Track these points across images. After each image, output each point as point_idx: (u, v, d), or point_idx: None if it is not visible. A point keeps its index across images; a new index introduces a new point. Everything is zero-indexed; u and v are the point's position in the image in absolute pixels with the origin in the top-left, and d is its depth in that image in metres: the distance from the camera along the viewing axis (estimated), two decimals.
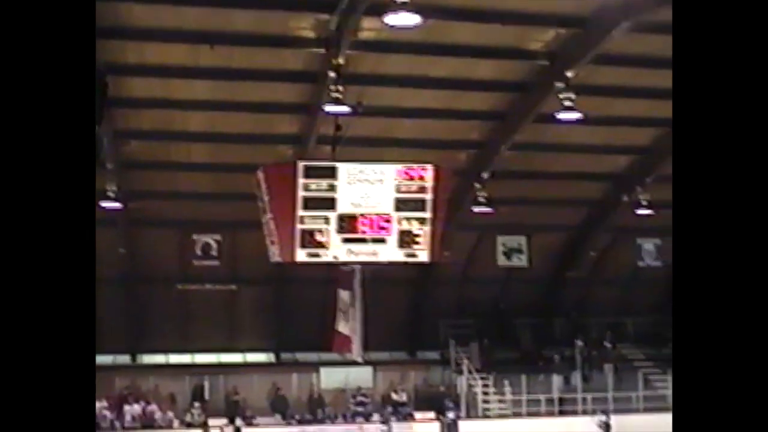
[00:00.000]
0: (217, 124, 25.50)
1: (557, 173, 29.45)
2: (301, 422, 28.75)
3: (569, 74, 22.28)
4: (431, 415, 29.00)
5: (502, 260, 32.68)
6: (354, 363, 26.89)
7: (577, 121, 23.31)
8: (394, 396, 29.91)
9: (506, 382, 30.20)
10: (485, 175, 27.86)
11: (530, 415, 29.32)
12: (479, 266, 31.99)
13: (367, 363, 27.90)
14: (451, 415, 28.73)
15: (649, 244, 34.53)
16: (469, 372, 30.44)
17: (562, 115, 22.74)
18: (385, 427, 25.63)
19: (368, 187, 22.46)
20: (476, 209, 28.25)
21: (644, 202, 30.09)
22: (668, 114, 28.98)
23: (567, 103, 22.21)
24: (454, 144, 27.35)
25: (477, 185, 27.95)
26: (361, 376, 29.11)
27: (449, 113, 26.02)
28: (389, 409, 29.22)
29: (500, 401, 30.05)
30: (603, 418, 27.27)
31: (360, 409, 28.86)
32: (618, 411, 29.39)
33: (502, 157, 27.90)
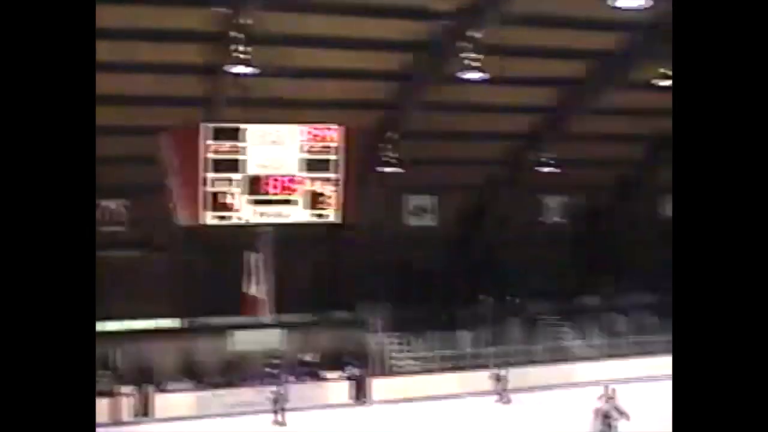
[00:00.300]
0: (123, 87, 24.82)
1: (465, 133, 29.77)
2: (212, 386, 28.63)
3: (475, 35, 22.49)
4: (341, 374, 29.25)
5: (411, 220, 33.05)
6: (265, 325, 26.91)
7: (484, 81, 23.58)
8: (306, 357, 30.03)
9: (417, 340, 30.68)
10: (394, 136, 27.98)
11: (441, 371, 29.84)
12: (389, 226, 32.21)
13: (277, 325, 27.91)
14: (360, 373, 29.04)
15: (553, 202, 35.41)
16: (380, 331, 30.77)
17: (469, 75, 22.96)
18: (282, 390, 25.63)
19: (275, 148, 22.36)
20: (386, 170, 28.39)
21: (549, 161, 30.78)
22: (571, 73, 29.66)
23: (473, 64, 22.44)
24: (363, 104, 27.33)
25: (386, 146, 28.07)
26: (272, 338, 29.10)
27: (358, 73, 25.98)
28: (300, 370, 29.33)
29: (411, 359, 30.50)
30: (495, 370, 27.98)
31: (272, 371, 28.88)
32: (524, 363, 30.22)
33: (411, 118, 28.04)
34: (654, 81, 26.25)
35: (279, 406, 25.40)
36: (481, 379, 28.57)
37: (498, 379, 27.86)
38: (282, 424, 25.40)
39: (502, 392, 27.65)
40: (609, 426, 20.46)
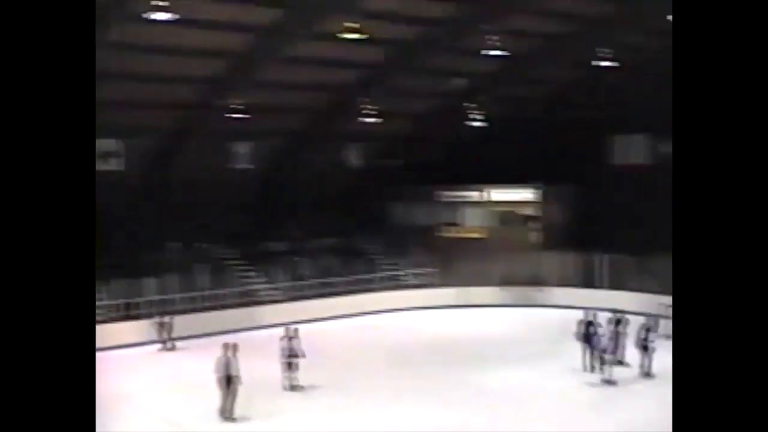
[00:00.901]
0: None
1: (153, 75, 29.10)
2: None
3: None
4: None
5: (97, 164, 31.77)
6: None
7: (172, 22, 23.17)
8: None
9: (100, 288, 29.74)
10: None
11: (123, 319, 29.13)
12: None
13: None
14: None
15: (241, 148, 35.82)
16: None
17: (156, 16, 22.45)
18: None
19: None
20: None
21: (238, 107, 31.04)
22: (261, 20, 29.80)
23: (161, 4, 21.95)
24: None
25: None
26: None
27: None
28: None
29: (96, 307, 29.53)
30: (158, 318, 27.88)
31: None
32: (209, 308, 30.54)
33: (96, 58, 26.87)
34: (339, 34, 27.33)
35: None
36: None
37: (162, 325, 27.72)
38: None
39: (167, 339, 27.61)
40: (289, 365, 21.48)
